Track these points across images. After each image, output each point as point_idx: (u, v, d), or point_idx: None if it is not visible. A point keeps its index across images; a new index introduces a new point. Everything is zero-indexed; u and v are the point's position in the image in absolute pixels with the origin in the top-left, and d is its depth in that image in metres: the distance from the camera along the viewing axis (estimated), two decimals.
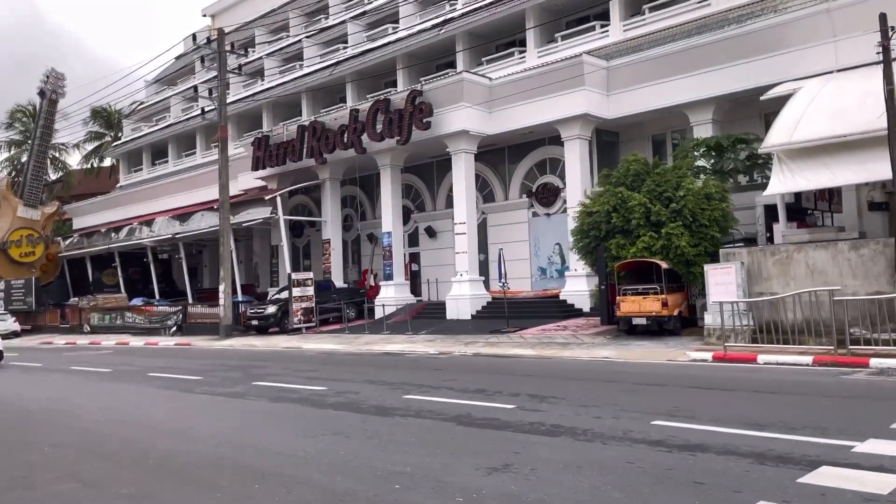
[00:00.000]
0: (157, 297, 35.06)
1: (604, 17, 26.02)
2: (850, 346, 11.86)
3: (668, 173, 17.20)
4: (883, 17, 12.84)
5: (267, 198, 28.11)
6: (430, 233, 28.55)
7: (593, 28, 25.39)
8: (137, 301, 33.76)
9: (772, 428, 6.80)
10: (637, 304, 16.11)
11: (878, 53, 12.97)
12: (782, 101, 20.02)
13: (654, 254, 16.22)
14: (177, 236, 32.57)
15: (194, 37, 24.68)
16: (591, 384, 10.76)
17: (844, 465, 5.43)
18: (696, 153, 18.96)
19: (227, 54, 26.38)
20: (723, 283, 14.72)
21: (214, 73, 39.59)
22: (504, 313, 22.73)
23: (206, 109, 26.27)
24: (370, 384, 11.53)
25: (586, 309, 21.93)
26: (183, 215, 33.73)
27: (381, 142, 25.38)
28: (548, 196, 25.05)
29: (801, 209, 17.08)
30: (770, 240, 16.59)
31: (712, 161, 18.77)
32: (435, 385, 10.95)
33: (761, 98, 18.44)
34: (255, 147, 30.19)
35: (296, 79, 35.95)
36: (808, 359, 12.06)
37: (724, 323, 13.45)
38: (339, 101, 35.75)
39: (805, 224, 16.43)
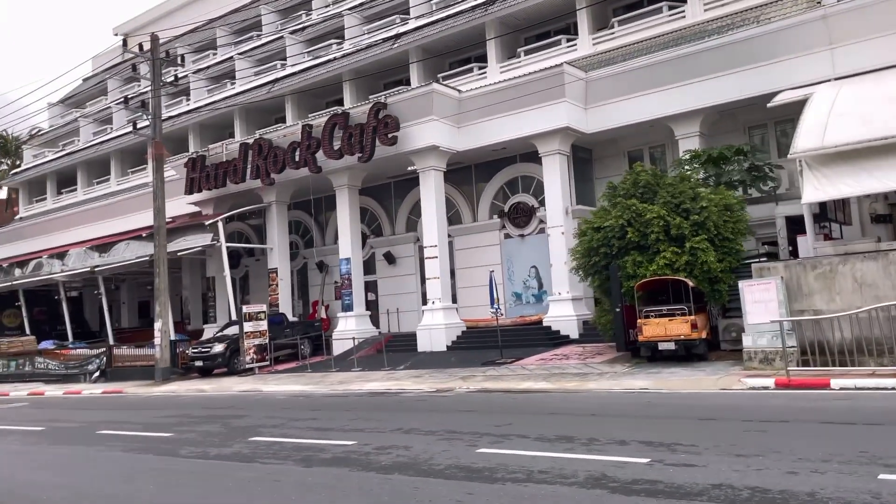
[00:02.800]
0: (71, 338, 31.01)
1: (565, 31, 25.03)
2: None
3: (679, 185, 15.90)
4: None
5: (207, 223, 25.19)
6: (390, 259, 26.35)
7: (559, 42, 24.26)
8: (48, 344, 29.63)
9: None
10: (663, 328, 14.55)
11: None
12: (769, 112, 19.44)
13: (676, 271, 14.76)
14: (96, 269, 28.86)
15: (125, 42, 21.85)
16: (689, 423, 8.96)
17: None
18: (694, 165, 17.81)
19: (160, 64, 23.52)
20: (762, 300, 13.37)
21: (132, 92, 36.41)
22: (483, 343, 20.99)
23: (139, 125, 23.22)
24: (407, 434, 9.29)
25: (574, 335, 20.34)
26: (103, 246, 30.06)
27: (340, 159, 23.14)
28: (521, 216, 23.43)
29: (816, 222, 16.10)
30: (794, 253, 15.51)
31: (711, 174, 17.65)
32: (495, 433, 8.85)
33: (768, 105, 17.61)
34: (189, 168, 27.26)
35: (227, 97, 33.24)
36: (893, 381, 10.75)
37: (784, 344, 12.03)
38: (274, 121, 33.22)
39: (828, 237, 15.43)
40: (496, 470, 6.78)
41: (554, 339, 20.12)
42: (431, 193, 22.31)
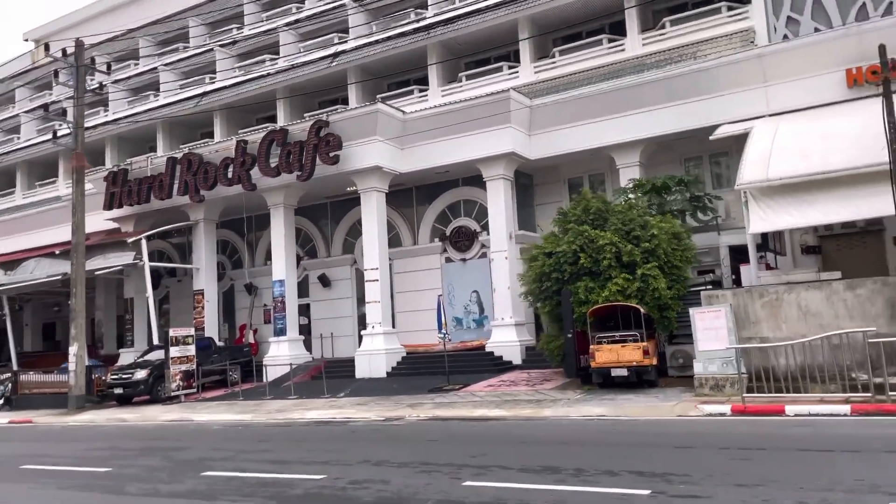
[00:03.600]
0: None
1: (506, 58, 25.26)
2: (889, 393, 10.97)
3: (628, 212, 16.12)
4: (882, 49, 12.61)
5: (129, 241, 23.74)
6: (324, 281, 25.58)
7: (501, 69, 24.41)
8: None
9: None
10: (615, 354, 14.57)
11: (878, 85, 12.68)
12: (705, 145, 20.16)
13: (628, 297, 14.87)
14: (1, 289, 26.67)
15: (47, 46, 20.45)
16: (668, 451, 8.84)
17: None
18: (638, 193, 18.13)
19: (84, 71, 22.14)
20: (712, 327, 13.59)
21: (43, 100, 34.27)
22: (424, 369, 20.65)
23: (58, 135, 21.73)
24: (378, 467, 8.76)
25: (517, 361, 20.19)
26: (8, 263, 27.88)
27: (276, 177, 22.36)
28: (463, 240, 23.24)
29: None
30: (737, 282, 15.93)
31: (654, 203, 18.01)
32: (473, 464, 8.47)
33: (710, 138, 18.15)
34: (110, 182, 25.72)
35: (151, 109, 31.81)
36: (845, 408, 11.05)
37: (739, 370, 12.22)
38: (200, 136, 32.11)
39: (769, 266, 15.95)
40: None
41: (498, 365, 19.91)
42: (373, 215, 21.83)
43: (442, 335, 18.40)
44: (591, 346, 14.90)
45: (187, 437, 13.53)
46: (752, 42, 20.03)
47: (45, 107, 22.98)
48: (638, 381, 14.61)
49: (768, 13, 19.84)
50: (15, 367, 26.10)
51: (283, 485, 8.05)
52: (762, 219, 14.20)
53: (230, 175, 23.21)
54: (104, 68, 23.44)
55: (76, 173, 21.21)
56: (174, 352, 20.40)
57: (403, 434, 12.07)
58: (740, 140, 19.58)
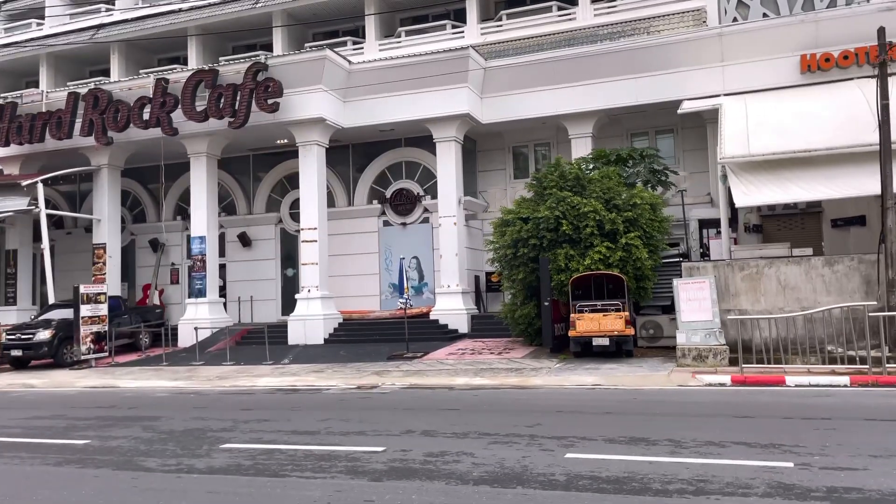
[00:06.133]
0: None
1: (447, 16, 24.36)
2: (885, 366, 11.38)
3: (604, 181, 15.86)
4: (881, 31, 12.94)
5: (25, 184, 20.67)
6: (245, 241, 23.65)
7: (444, 27, 23.46)
8: None
9: None
10: (597, 323, 14.29)
11: (874, 67, 13.03)
12: (651, 121, 20.59)
13: (610, 266, 14.63)
14: None
15: None
16: (734, 421, 8.55)
17: None
18: (599, 163, 17.96)
19: None
20: (696, 298, 13.66)
21: None
22: (364, 336, 19.83)
23: None
24: (432, 438, 7.86)
25: (464, 330, 19.65)
26: None
27: (203, 122, 20.22)
28: (404, 203, 22.19)
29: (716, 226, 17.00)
30: (705, 255, 16.15)
31: (620, 174, 17.92)
32: (548, 435, 7.76)
33: (678, 111, 18.23)
34: None
35: (33, 39, 28.09)
36: (844, 379, 11.36)
37: (740, 342, 12.28)
38: (89, 74, 28.90)
39: (736, 241, 16.29)
40: (647, 480, 5.74)
41: (446, 333, 19.22)
42: (313, 170, 20.29)
43: (404, 301, 17.39)
44: (572, 315, 14.57)
45: (140, 406, 11.80)
46: (703, 22, 20.36)
47: None
48: (616, 350, 14.45)
49: None
50: None
51: (347, 458, 6.95)
52: (745, 193, 14.39)
53: (146, 117, 20.75)
54: None
55: None
56: (85, 311, 17.99)
57: (403, 403, 11.12)
58: (686, 119, 20.07)
